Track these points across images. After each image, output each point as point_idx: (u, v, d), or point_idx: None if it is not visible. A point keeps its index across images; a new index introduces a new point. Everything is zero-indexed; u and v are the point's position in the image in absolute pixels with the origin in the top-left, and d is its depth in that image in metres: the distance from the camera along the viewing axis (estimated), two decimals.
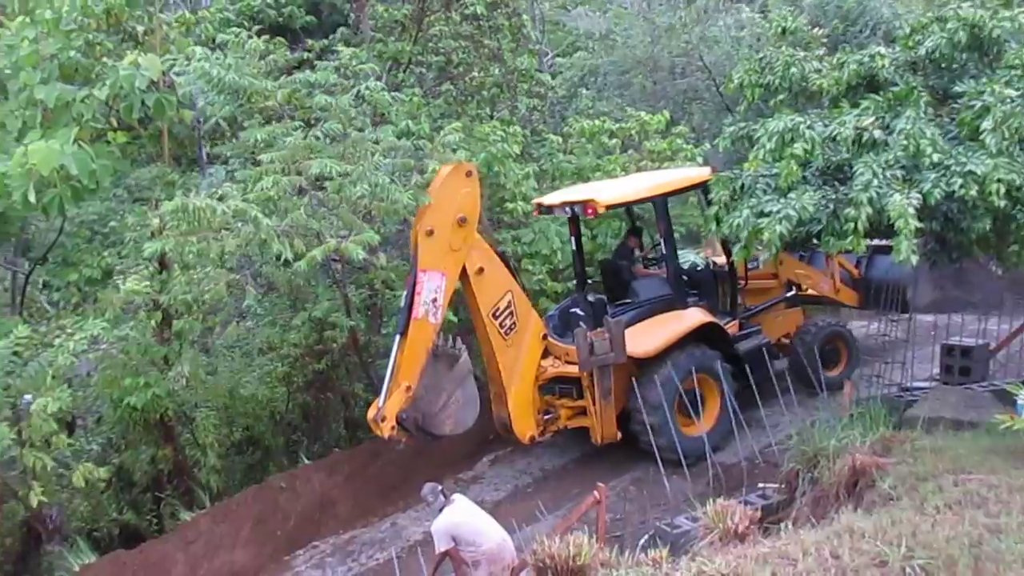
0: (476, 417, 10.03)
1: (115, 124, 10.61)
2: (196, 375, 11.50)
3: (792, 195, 7.95)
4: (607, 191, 10.90)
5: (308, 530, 10.59)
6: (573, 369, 10.30)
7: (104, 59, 10.12)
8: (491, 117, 13.90)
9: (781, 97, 9.43)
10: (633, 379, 10.09)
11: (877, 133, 7.95)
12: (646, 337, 10.29)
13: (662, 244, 11.05)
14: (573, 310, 11.16)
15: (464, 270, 9.84)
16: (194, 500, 11.45)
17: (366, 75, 10.88)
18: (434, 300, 9.53)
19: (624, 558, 5.32)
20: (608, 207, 10.54)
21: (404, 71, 13.59)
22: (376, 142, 10.57)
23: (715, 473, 9.20)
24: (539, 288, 12.50)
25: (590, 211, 10.36)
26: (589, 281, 11.87)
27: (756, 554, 4.98)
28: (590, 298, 11.11)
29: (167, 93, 10.16)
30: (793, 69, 9.17)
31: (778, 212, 7.84)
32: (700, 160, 13.75)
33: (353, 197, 9.27)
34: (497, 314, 10.10)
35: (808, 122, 8.06)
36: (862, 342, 12.26)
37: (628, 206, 11.80)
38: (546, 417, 10.62)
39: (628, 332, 10.08)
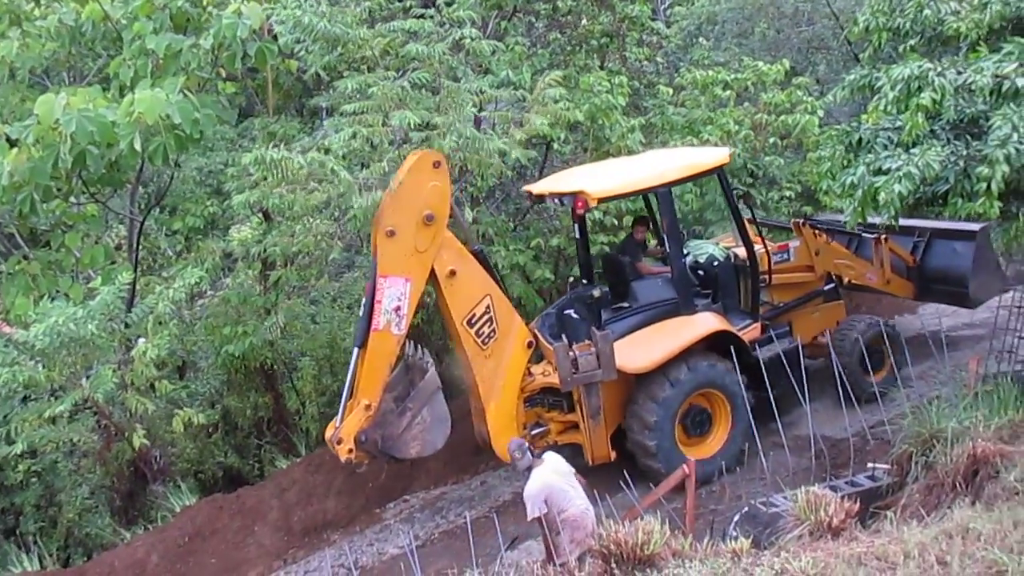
0: (447, 437, 9.05)
1: (222, 74, 10.72)
2: (294, 325, 11.71)
3: (916, 150, 7.11)
4: (601, 180, 9.50)
5: (399, 484, 10.62)
6: None
7: (211, 8, 10.20)
8: (601, 67, 13.36)
9: (912, 43, 8.49)
10: (630, 394, 9.20)
11: (1021, 81, 6.97)
12: (643, 349, 9.16)
13: (665, 241, 9.63)
14: (568, 311, 9.96)
15: (433, 273, 8.79)
16: (292, 448, 11.72)
17: (463, 23, 10.50)
18: (397, 308, 8.54)
19: (702, 546, 4.89)
20: (601, 200, 9.23)
21: (509, 20, 13.15)
22: (479, 93, 10.28)
23: (819, 449, 8.57)
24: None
25: (580, 204, 9.00)
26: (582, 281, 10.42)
27: (849, 553, 4.46)
28: (595, 293, 9.77)
29: (268, 42, 10.14)
30: (927, 11, 8.16)
31: (898, 169, 7.02)
32: (821, 113, 12.80)
33: (444, 150, 8.95)
34: (473, 321, 8.93)
35: (939, 69, 7.16)
36: (990, 313, 11.09)
37: (627, 197, 10.50)
38: (534, 432, 9.46)
39: (624, 341, 9.09)
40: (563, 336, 9.42)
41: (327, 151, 9.60)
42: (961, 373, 9.18)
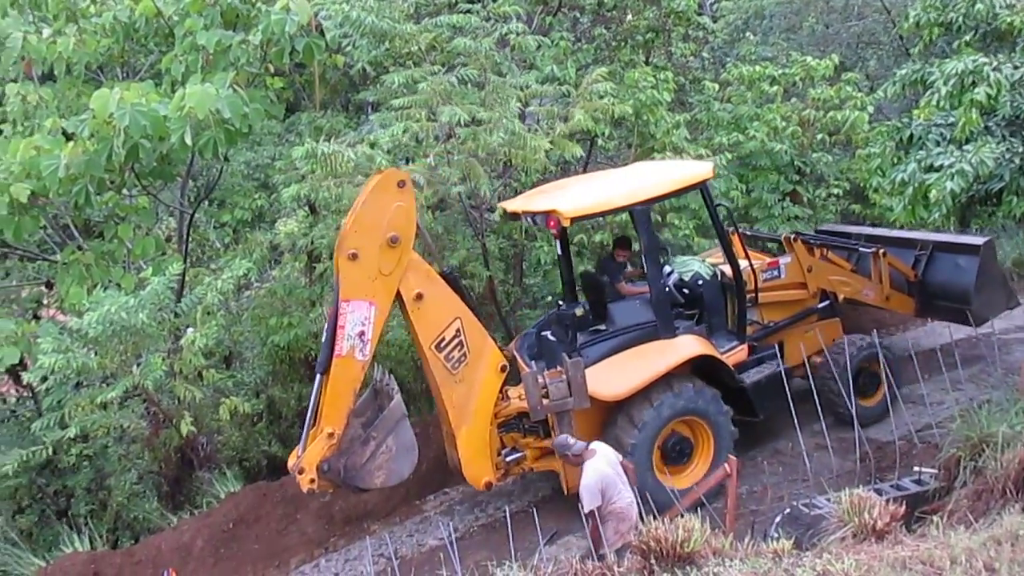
0: (414, 465, 8.67)
1: (271, 69, 10.88)
2: None
3: (969, 147, 6.96)
4: (575, 198, 9.14)
5: (439, 476, 10.65)
6: None
7: (260, 4, 10.34)
8: (646, 63, 13.30)
9: (966, 39, 8.30)
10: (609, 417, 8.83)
11: None
12: (618, 375, 8.78)
13: (643, 261, 9.25)
14: (545, 332, 9.70)
15: (399, 296, 8.39)
16: None
17: (509, 18, 10.53)
18: (361, 334, 8.16)
19: (743, 545, 4.86)
20: (574, 219, 8.81)
21: (554, 15, 13.15)
22: (522, 88, 10.30)
23: (864, 451, 8.44)
24: (685, 244, 11.95)
25: (552, 224, 8.71)
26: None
27: (894, 557, 4.38)
28: (578, 312, 9.52)
29: (316, 38, 10.24)
30: (980, 5, 7.98)
31: (950, 166, 6.88)
32: (871, 109, 12.59)
33: (491, 145, 8.97)
34: (442, 345, 8.52)
35: (994, 64, 7.00)
36: None
37: (602, 216, 10.14)
38: (508, 458, 9.13)
39: (600, 366, 8.79)
40: (541, 358, 9.21)
41: (373, 145, 9.70)
42: (1013, 377, 8.98)
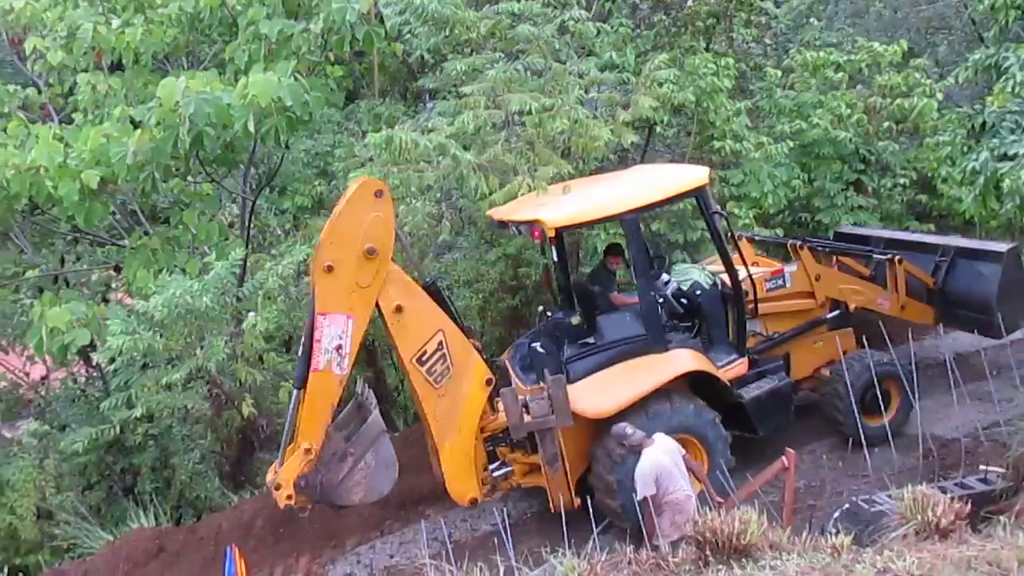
0: (395, 481, 8.40)
1: (331, 58, 11.01)
2: None
3: None
4: (562, 207, 8.73)
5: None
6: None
7: None
8: (707, 49, 13.11)
9: None
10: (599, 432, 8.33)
11: None
12: (606, 391, 8.36)
13: (632, 272, 8.91)
14: (534, 344, 9.41)
15: (379, 308, 8.13)
16: (391, 422, 11.97)
17: (570, 5, 10.49)
18: (338, 347, 7.88)
19: (801, 539, 4.79)
20: (559, 229, 8.51)
21: (614, 1, 13.04)
22: (581, 76, 10.25)
23: (928, 448, 8.24)
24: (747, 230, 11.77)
25: (537, 234, 8.41)
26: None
27: (958, 556, 4.27)
28: (573, 321, 9.23)
29: (375, 26, 10.33)
30: None
31: None
32: (940, 96, 12.23)
33: (552, 132, 8.93)
34: (424, 359, 8.21)
35: None
36: None
37: (589, 226, 9.76)
38: (496, 473, 8.85)
39: (587, 382, 8.44)
40: (532, 370, 9.03)
41: (428, 132, 9.73)
42: None
